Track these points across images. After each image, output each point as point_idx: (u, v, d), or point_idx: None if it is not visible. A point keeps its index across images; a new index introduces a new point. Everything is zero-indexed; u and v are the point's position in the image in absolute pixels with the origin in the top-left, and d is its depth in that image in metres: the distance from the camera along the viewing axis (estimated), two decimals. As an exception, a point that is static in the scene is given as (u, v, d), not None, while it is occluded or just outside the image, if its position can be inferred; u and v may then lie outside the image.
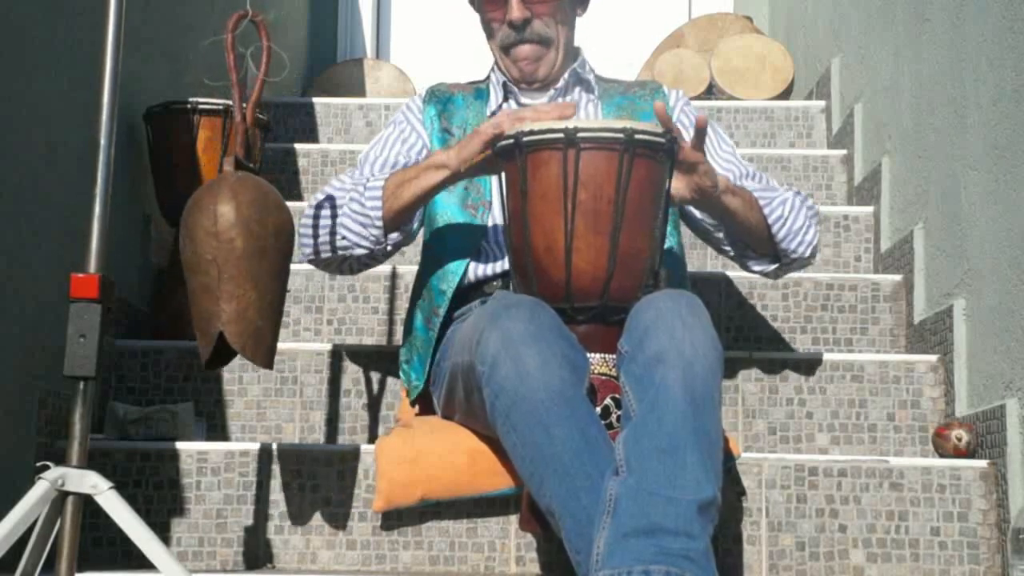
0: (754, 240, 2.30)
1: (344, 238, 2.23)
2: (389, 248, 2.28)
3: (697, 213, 2.35)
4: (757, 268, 2.38)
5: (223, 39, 1.99)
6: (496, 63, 2.44)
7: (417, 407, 2.35)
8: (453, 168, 2.13)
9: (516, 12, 2.32)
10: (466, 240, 2.31)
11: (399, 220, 2.24)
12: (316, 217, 2.25)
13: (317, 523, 2.22)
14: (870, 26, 3.42)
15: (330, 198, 2.25)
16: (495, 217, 2.32)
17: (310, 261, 2.31)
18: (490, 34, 2.40)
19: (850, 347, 2.88)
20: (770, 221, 2.28)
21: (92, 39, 1.88)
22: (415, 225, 2.36)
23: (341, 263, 2.30)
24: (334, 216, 2.23)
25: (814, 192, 3.52)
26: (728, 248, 2.38)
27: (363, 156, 2.42)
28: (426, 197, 2.21)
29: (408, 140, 2.41)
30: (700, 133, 2.07)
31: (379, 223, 2.21)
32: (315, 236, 2.25)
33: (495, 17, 2.36)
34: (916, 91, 2.91)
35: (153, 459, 2.28)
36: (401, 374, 2.41)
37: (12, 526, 1.64)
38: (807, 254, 2.32)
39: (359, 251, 2.25)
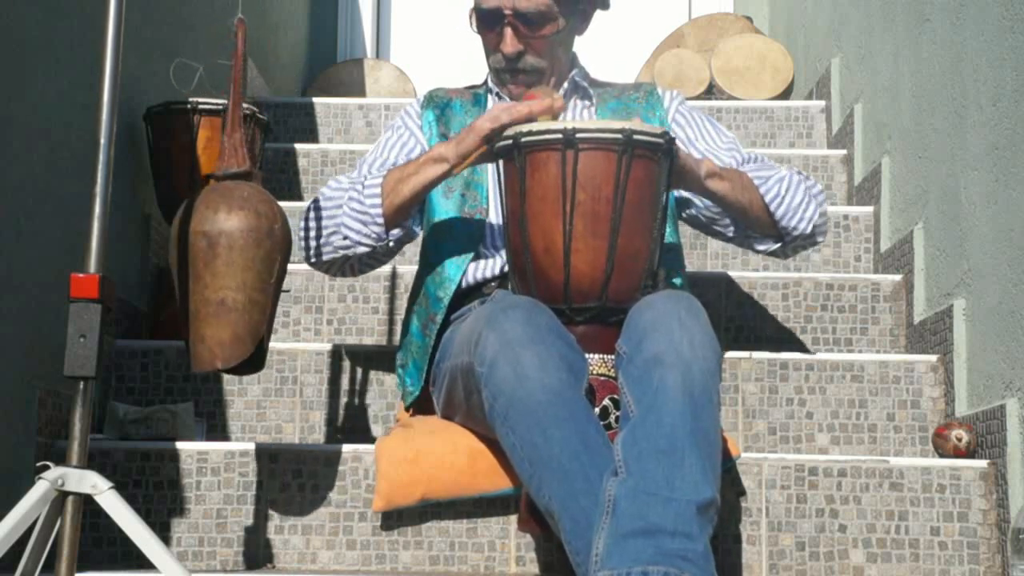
0: (752, 221, 2.30)
1: (346, 237, 2.23)
2: (391, 244, 2.29)
3: (699, 203, 2.35)
4: (761, 248, 2.37)
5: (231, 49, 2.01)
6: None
7: (411, 410, 2.35)
8: (452, 162, 2.15)
9: (509, 47, 2.30)
10: (463, 247, 2.31)
11: (399, 216, 2.24)
12: (315, 219, 2.25)
13: (317, 523, 2.22)
14: (870, 26, 3.41)
15: (328, 199, 2.26)
16: (492, 222, 2.32)
17: (310, 263, 2.31)
18: (486, 52, 2.39)
19: (850, 347, 2.88)
20: (767, 200, 2.28)
21: (92, 39, 1.88)
22: (417, 225, 2.36)
23: (344, 263, 2.29)
24: (333, 217, 2.24)
25: (814, 192, 3.52)
26: (732, 234, 2.38)
27: (362, 160, 2.42)
28: (425, 191, 2.22)
29: (407, 145, 2.41)
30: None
31: (380, 220, 2.22)
32: (316, 237, 2.26)
33: (490, 40, 2.35)
34: (916, 91, 2.91)
35: (153, 459, 2.28)
36: (397, 378, 2.41)
37: (12, 526, 1.64)
38: (808, 230, 2.31)
39: (361, 249, 2.25)
